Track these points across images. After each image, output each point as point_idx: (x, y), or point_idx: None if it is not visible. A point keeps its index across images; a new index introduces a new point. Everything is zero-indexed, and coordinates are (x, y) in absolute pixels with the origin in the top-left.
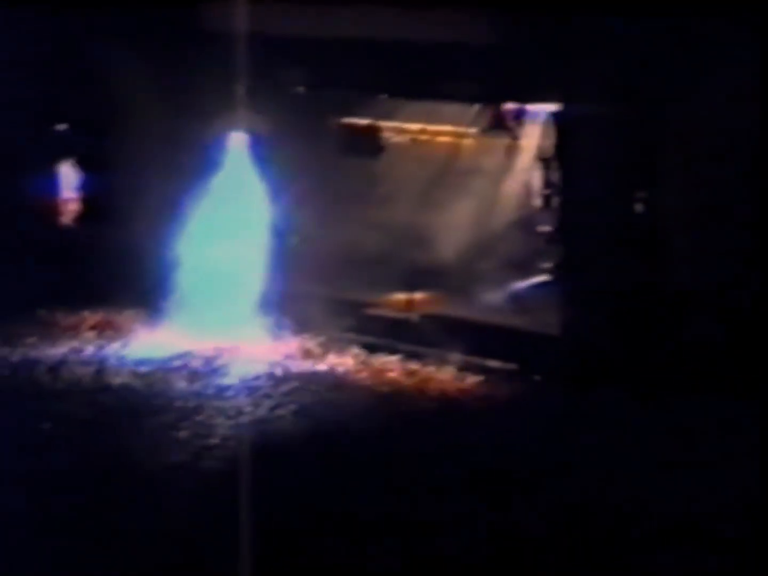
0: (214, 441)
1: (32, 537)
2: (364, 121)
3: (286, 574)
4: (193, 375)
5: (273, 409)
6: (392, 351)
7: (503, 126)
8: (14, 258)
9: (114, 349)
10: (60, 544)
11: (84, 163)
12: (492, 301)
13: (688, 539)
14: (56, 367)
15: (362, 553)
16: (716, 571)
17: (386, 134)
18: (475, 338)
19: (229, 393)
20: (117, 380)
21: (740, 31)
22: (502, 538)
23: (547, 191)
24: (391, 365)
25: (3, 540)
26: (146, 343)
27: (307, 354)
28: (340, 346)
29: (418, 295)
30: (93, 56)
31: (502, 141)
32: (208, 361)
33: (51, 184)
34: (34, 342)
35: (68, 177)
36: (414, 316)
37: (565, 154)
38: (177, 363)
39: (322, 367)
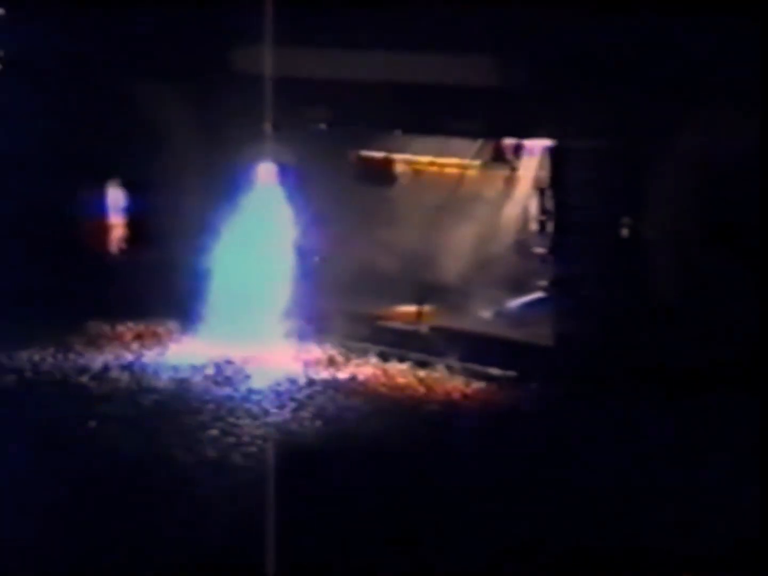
0: (243, 440)
1: (76, 525)
2: (379, 154)
3: (309, 562)
4: (224, 380)
5: (296, 411)
6: (403, 359)
7: (503, 159)
8: (65, 275)
9: (153, 356)
10: (102, 531)
11: (128, 187)
12: (492, 314)
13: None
14: (102, 372)
15: (379, 545)
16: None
17: (399, 166)
18: (477, 348)
19: (257, 397)
20: (156, 384)
21: (728, 72)
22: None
23: (543, 217)
24: (403, 372)
25: (49, 527)
26: (182, 352)
27: (326, 362)
28: (357, 355)
29: (426, 309)
30: (138, 95)
31: (502, 172)
32: (238, 367)
33: (98, 206)
34: (82, 350)
35: (114, 200)
36: (423, 328)
37: (558, 184)
38: (209, 369)
39: (340, 373)
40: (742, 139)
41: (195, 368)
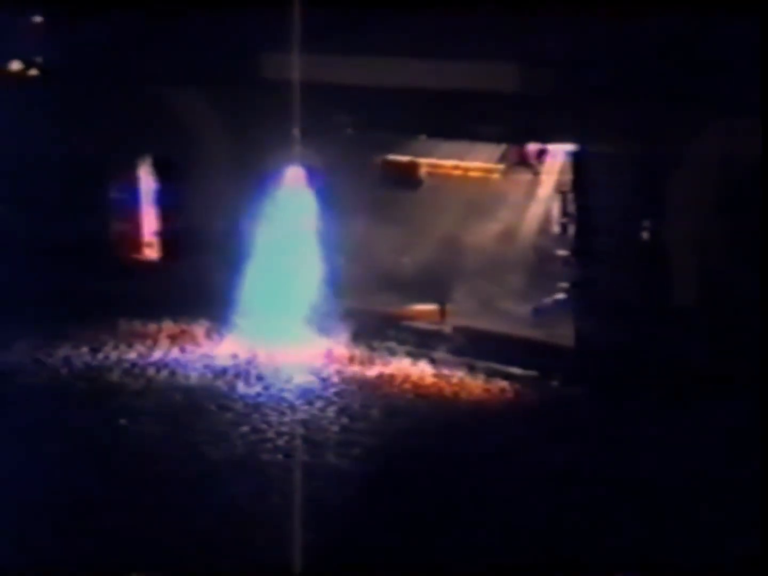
0: (271, 435)
1: (109, 519)
2: (404, 158)
3: (335, 558)
4: (254, 377)
5: (323, 408)
6: (426, 358)
7: (526, 163)
8: (99, 275)
9: (185, 354)
10: (134, 525)
11: (160, 189)
12: (515, 315)
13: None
14: (134, 369)
15: (405, 541)
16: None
17: (424, 169)
18: (499, 348)
19: (285, 393)
20: (187, 381)
21: (739, 80)
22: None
23: (564, 220)
24: (426, 370)
25: (81, 520)
26: (213, 350)
27: (352, 360)
28: (381, 353)
29: (450, 309)
30: (172, 101)
31: (525, 176)
32: (266, 365)
33: (131, 208)
34: (116, 348)
35: (146, 202)
36: (446, 328)
37: (580, 187)
38: (240, 367)
39: (365, 371)
40: (763, 142)
41: (224, 366)
